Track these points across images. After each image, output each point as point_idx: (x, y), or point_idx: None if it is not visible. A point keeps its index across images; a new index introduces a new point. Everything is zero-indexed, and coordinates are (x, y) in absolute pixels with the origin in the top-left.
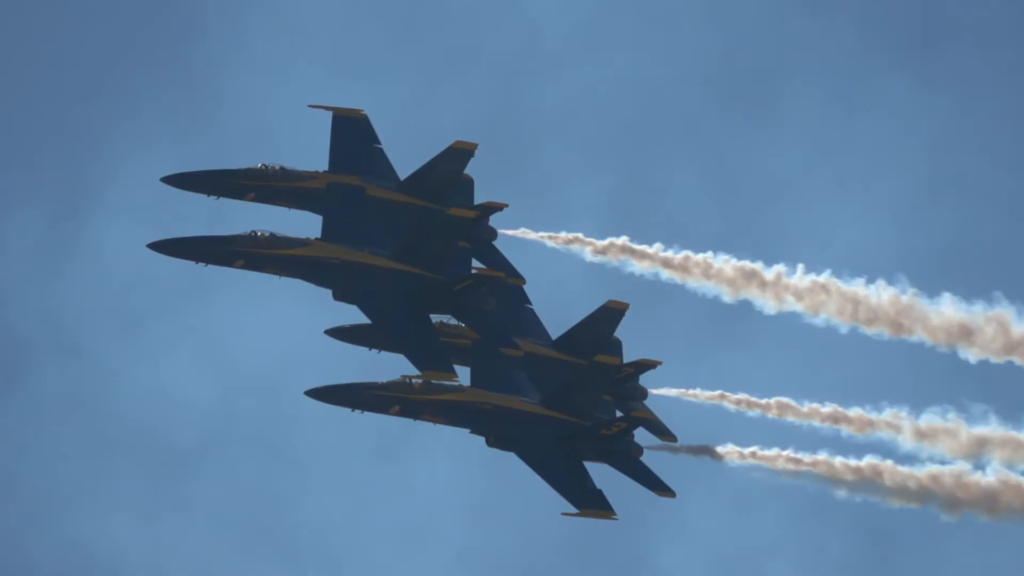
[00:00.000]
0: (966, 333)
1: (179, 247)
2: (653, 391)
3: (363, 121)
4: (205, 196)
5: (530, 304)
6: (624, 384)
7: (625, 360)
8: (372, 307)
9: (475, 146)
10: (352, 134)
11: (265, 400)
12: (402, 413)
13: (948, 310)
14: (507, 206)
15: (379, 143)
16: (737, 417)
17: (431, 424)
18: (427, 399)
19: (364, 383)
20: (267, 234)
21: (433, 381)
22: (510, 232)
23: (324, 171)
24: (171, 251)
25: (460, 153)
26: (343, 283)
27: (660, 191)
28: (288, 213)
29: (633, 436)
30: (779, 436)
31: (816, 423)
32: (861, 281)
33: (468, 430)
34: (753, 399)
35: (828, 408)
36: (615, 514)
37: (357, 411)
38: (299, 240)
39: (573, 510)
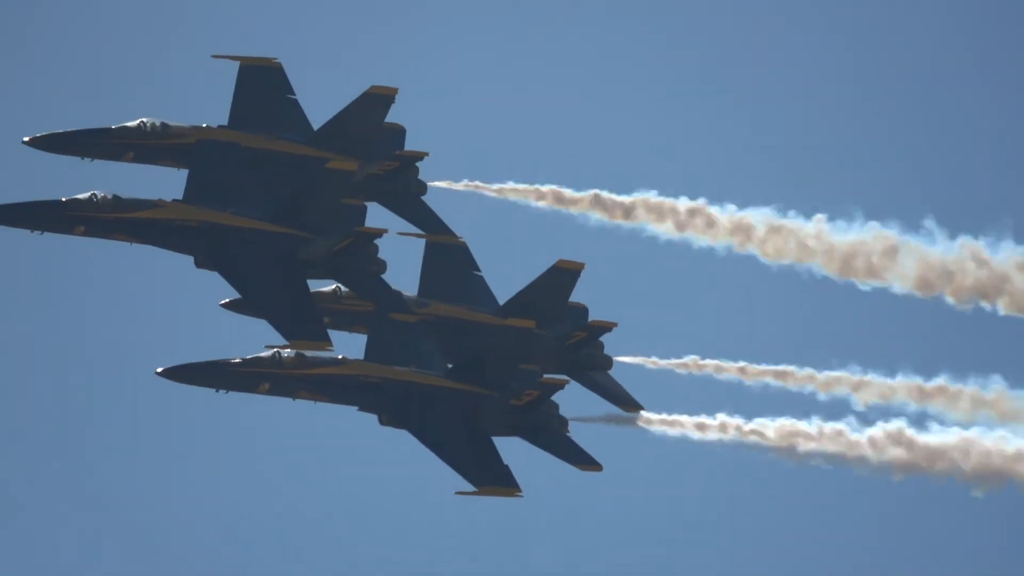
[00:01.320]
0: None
1: (8, 215)
2: (623, 359)
3: (276, 71)
4: (79, 159)
5: (477, 270)
6: (578, 352)
7: None
8: (233, 273)
9: (394, 91)
10: (261, 85)
11: None
12: (273, 391)
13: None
14: (426, 155)
15: (293, 94)
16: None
17: (310, 403)
18: (301, 374)
19: (224, 360)
20: (110, 196)
21: (306, 353)
22: (442, 184)
23: (218, 126)
24: None
25: (377, 99)
26: (203, 248)
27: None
28: (177, 174)
29: (556, 407)
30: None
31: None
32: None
33: (356, 407)
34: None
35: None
36: (519, 491)
37: (222, 391)
38: (148, 202)
39: (470, 488)
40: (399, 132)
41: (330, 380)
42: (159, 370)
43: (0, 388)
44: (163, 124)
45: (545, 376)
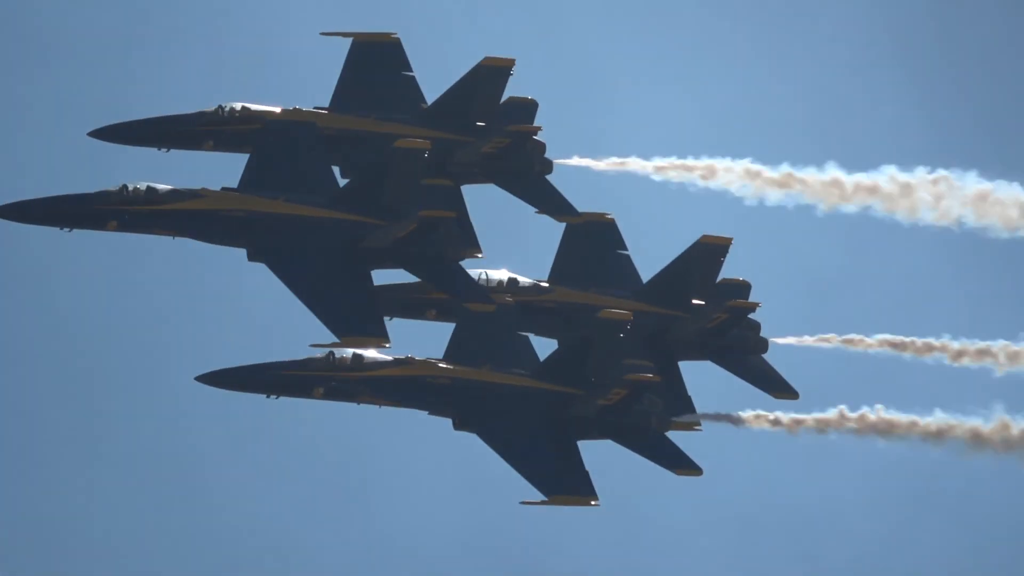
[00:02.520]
0: None
1: (32, 210)
2: (780, 340)
3: (393, 46)
4: (156, 150)
5: (624, 249)
6: (724, 335)
7: None
8: (281, 266)
9: (511, 62)
10: (374, 63)
11: None
12: (330, 396)
13: None
14: (538, 129)
15: (411, 71)
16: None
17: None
18: (358, 376)
19: (272, 363)
20: (143, 187)
21: (363, 352)
22: (571, 162)
23: (314, 108)
24: (21, 217)
25: (492, 72)
26: (253, 241)
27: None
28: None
29: (655, 404)
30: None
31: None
32: None
33: (425, 412)
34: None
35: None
36: (595, 499)
37: (272, 397)
38: (188, 192)
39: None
40: (530, 106)
41: (392, 382)
42: (198, 376)
43: (36, 392)
44: (243, 107)
45: (635, 373)
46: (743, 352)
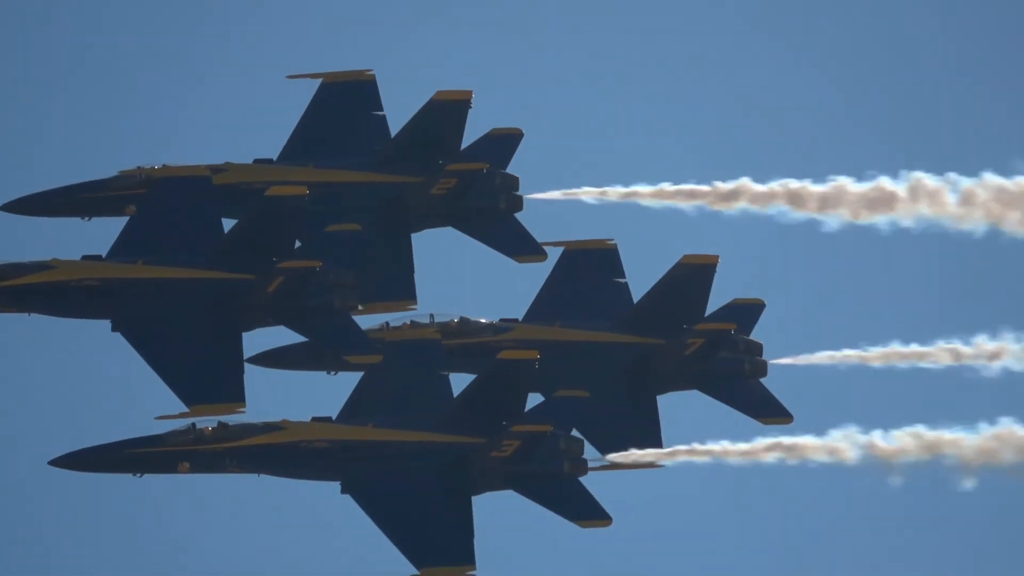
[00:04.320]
0: None
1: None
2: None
3: (367, 85)
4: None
5: (622, 277)
6: (705, 362)
7: None
8: (139, 335)
9: (467, 94)
10: (341, 105)
11: None
12: (197, 469)
13: None
14: (484, 167)
15: (380, 109)
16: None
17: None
18: (225, 447)
19: (129, 440)
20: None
21: (227, 420)
22: (544, 196)
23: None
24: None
25: (447, 106)
26: (110, 310)
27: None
28: None
29: (579, 445)
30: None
31: None
32: None
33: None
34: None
35: None
36: (472, 567)
37: (138, 475)
38: (37, 264)
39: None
40: (515, 137)
41: (263, 451)
42: (51, 460)
43: None
44: (164, 166)
45: (526, 424)
46: (737, 379)
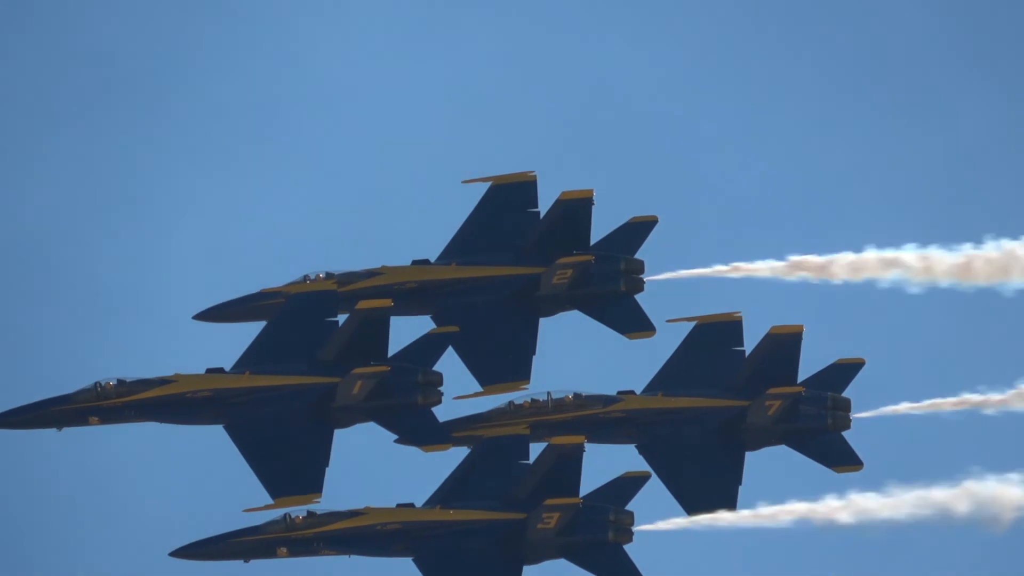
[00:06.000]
0: None
1: (16, 419)
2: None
3: (529, 185)
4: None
5: (741, 346)
6: (795, 420)
7: None
8: (243, 436)
9: (589, 193)
10: (503, 204)
11: None
12: (295, 554)
13: None
14: (590, 259)
15: (536, 207)
16: None
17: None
18: (314, 533)
19: (235, 531)
20: (113, 381)
21: (315, 509)
22: (664, 277)
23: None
24: (12, 424)
25: (572, 205)
26: (220, 416)
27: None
28: None
29: (622, 515)
30: None
31: None
32: None
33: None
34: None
35: None
36: None
37: (246, 562)
38: (157, 380)
39: None
40: (649, 224)
41: (345, 534)
42: (172, 552)
43: None
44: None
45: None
46: (818, 433)
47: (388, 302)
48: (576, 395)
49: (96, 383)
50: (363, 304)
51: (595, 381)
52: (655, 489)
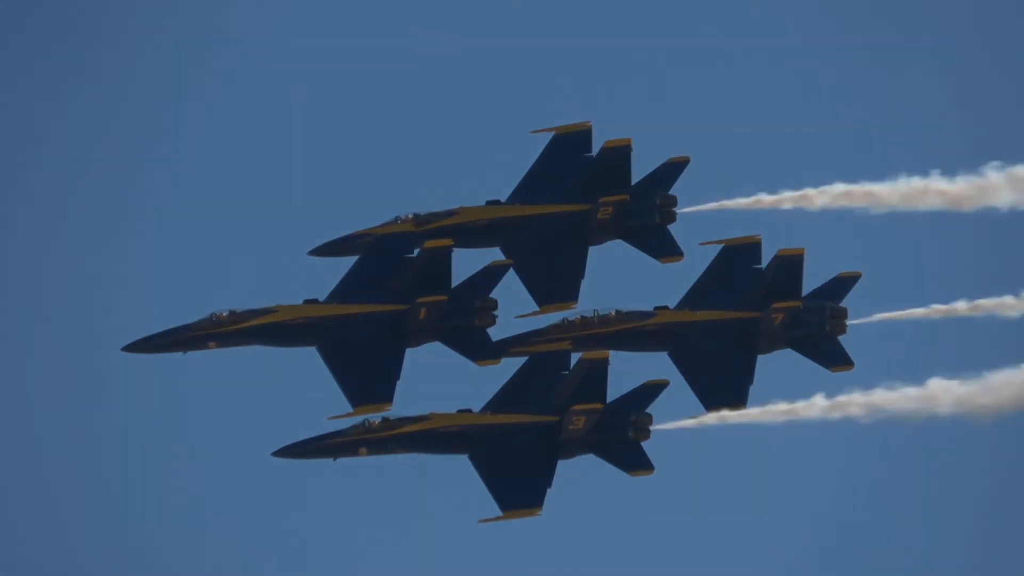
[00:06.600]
0: None
1: (152, 342)
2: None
3: (585, 134)
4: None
5: (759, 264)
6: (797, 327)
7: None
8: (331, 356)
9: (627, 142)
10: (560, 152)
11: None
12: (372, 452)
13: None
14: (625, 198)
15: (591, 152)
16: None
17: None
18: (388, 435)
19: (325, 434)
20: (226, 312)
21: (388, 415)
22: (697, 208)
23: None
24: (144, 348)
25: (614, 151)
26: (317, 341)
27: None
28: None
29: (642, 417)
30: None
31: None
32: None
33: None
34: None
35: None
36: (538, 510)
37: (334, 460)
38: (262, 310)
39: (496, 513)
40: (682, 163)
41: (413, 435)
42: (274, 451)
43: None
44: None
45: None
46: (818, 338)
47: (449, 241)
48: (618, 312)
49: (212, 314)
50: (429, 243)
51: (634, 299)
52: (672, 394)
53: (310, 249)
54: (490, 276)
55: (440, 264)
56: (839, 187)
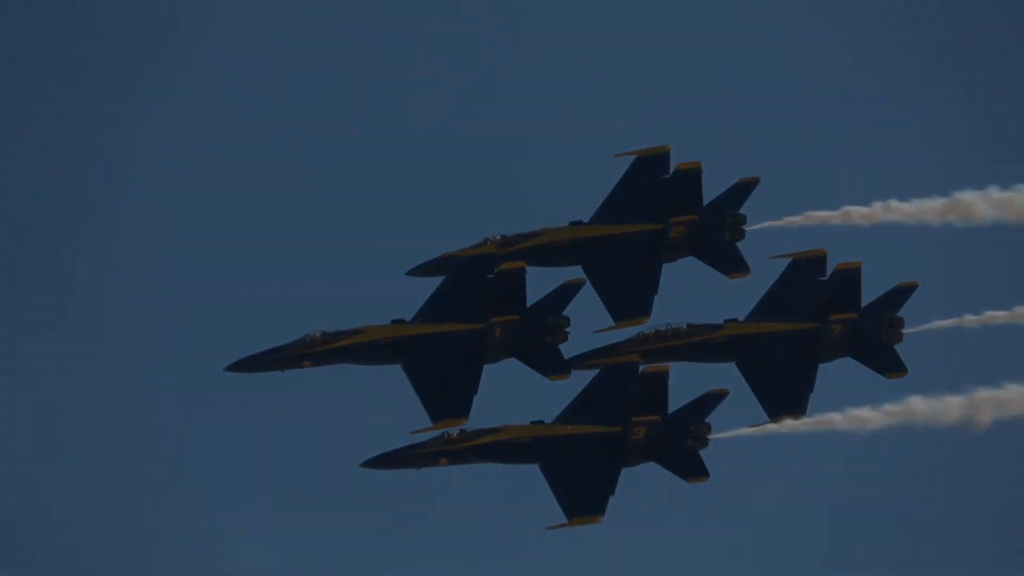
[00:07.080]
0: None
1: (252, 363)
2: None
3: (663, 156)
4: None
5: (824, 276)
6: (857, 337)
7: None
8: (414, 374)
9: (698, 164)
10: (639, 174)
11: None
12: (451, 463)
13: None
14: (694, 218)
15: (668, 173)
16: None
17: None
18: (465, 446)
19: (408, 445)
20: (319, 333)
21: (465, 428)
22: (763, 225)
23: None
24: (247, 369)
25: (686, 174)
26: (402, 359)
27: None
28: None
29: (701, 426)
30: None
31: None
32: None
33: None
34: None
35: None
36: (601, 517)
37: (418, 470)
38: (351, 331)
39: (563, 520)
40: (752, 183)
41: (487, 447)
42: (362, 463)
43: None
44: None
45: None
46: (877, 346)
47: (522, 264)
48: (689, 324)
49: (306, 334)
50: (504, 266)
51: (704, 313)
52: (731, 403)
53: (408, 269)
54: (565, 294)
55: (514, 285)
56: (913, 203)
